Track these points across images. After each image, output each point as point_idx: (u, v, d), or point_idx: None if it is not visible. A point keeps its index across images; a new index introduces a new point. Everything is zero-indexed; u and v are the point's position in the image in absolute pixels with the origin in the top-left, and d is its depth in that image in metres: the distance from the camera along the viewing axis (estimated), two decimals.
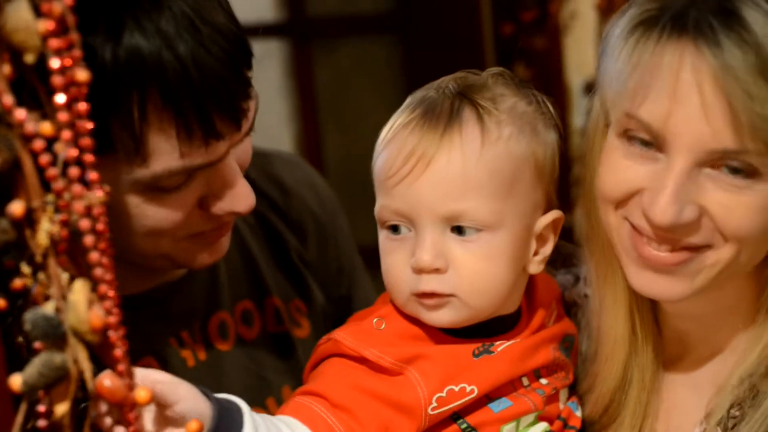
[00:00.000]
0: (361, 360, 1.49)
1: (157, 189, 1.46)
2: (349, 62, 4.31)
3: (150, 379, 1.24)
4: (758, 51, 1.29)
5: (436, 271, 1.47)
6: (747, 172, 1.33)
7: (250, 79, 1.50)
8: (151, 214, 1.48)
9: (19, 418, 1.05)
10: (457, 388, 1.47)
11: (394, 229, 1.52)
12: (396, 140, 1.50)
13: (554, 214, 1.55)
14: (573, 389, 1.64)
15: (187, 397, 1.29)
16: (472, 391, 1.48)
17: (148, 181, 1.44)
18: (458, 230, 1.48)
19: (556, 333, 1.62)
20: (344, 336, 1.51)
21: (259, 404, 1.69)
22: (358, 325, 1.55)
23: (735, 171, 1.34)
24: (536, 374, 1.57)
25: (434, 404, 1.46)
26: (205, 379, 1.66)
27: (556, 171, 1.57)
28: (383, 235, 1.54)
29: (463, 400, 1.48)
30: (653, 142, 1.38)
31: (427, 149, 1.47)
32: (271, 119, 4.14)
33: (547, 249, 1.56)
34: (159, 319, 1.68)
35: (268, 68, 4.19)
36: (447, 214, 1.47)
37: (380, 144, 1.53)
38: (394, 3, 4.30)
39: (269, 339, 1.77)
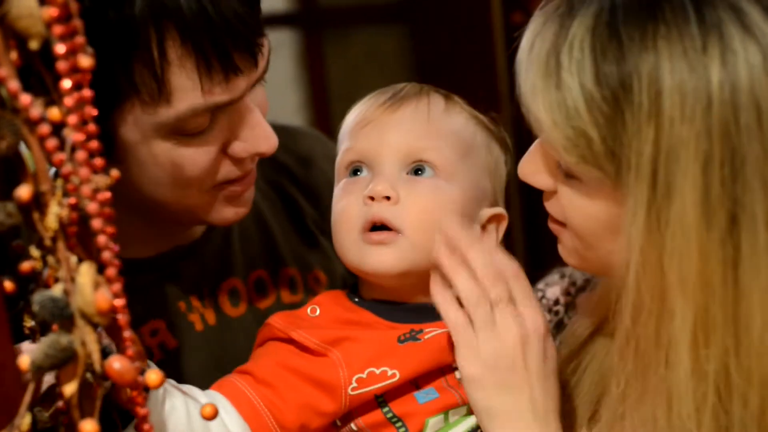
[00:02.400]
0: (290, 341, 1.53)
1: (182, 133, 1.48)
2: (361, 52, 4.31)
3: None
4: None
5: (387, 199, 1.52)
6: (567, 170, 1.37)
7: (261, 23, 1.52)
8: (178, 160, 1.50)
9: (27, 398, 1.07)
10: (378, 371, 1.50)
11: (354, 173, 1.59)
12: (367, 102, 1.61)
13: (499, 209, 1.61)
14: None
15: None
16: (394, 375, 1.50)
17: (173, 123, 1.46)
18: (415, 171, 1.55)
19: None
20: (276, 320, 1.56)
21: None
22: (293, 312, 1.60)
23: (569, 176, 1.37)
24: None
25: (354, 384, 1.49)
26: (212, 343, 1.70)
27: (503, 186, 1.65)
28: (340, 185, 1.61)
29: (384, 383, 1.50)
30: None
31: (396, 102, 1.58)
32: (283, 109, 4.14)
33: (493, 229, 1.61)
34: (169, 282, 1.71)
35: (280, 58, 4.20)
36: (408, 150, 1.55)
37: (349, 114, 1.64)
38: None
39: (284, 309, 1.78)
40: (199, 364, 1.69)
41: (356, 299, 1.62)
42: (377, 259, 1.54)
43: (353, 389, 1.49)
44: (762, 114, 1.23)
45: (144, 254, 1.67)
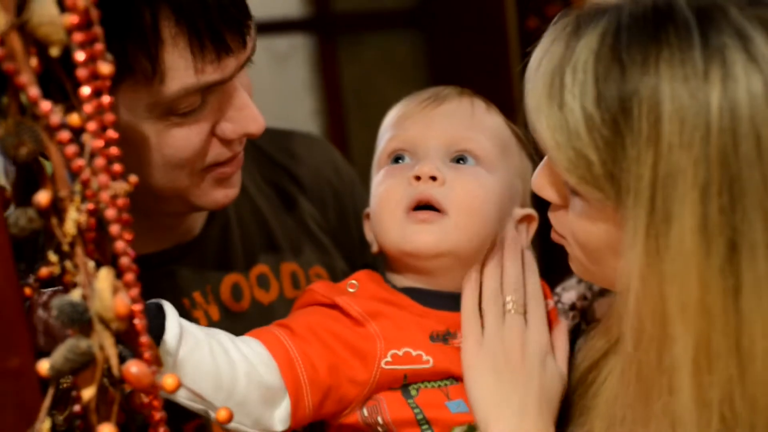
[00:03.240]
0: (332, 306, 1.55)
1: (174, 113, 1.50)
2: (375, 57, 4.31)
3: None
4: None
5: (434, 179, 1.56)
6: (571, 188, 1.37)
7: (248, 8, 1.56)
8: (170, 141, 1.52)
9: (47, 402, 1.07)
10: (414, 353, 1.52)
11: (396, 160, 1.63)
12: (407, 101, 1.67)
13: (531, 210, 1.66)
14: None
15: None
16: (428, 361, 1.52)
17: (166, 102, 1.47)
18: (458, 160, 1.60)
19: None
20: (319, 287, 1.59)
21: None
22: (334, 284, 1.62)
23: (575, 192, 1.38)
24: None
25: (389, 359, 1.51)
26: None
27: (530, 187, 1.61)
28: (382, 172, 1.64)
29: (417, 366, 1.52)
30: None
31: (441, 92, 1.65)
32: (297, 114, 4.15)
33: (524, 229, 1.65)
34: (171, 279, 1.72)
35: (294, 64, 4.21)
36: (452, 140, 1.60)
37: (390, 111, 1.69)
38: None
39: (287, 303, 1.79)
40: None
41: (391, 284, 1.64)
42: (420, 237, 1.56)
43: (387, 363, 1.51)
44: (762, 143, 1.21)
45: (144, 251, 1.66)
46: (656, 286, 1.27)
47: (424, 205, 1.57)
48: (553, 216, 1.45)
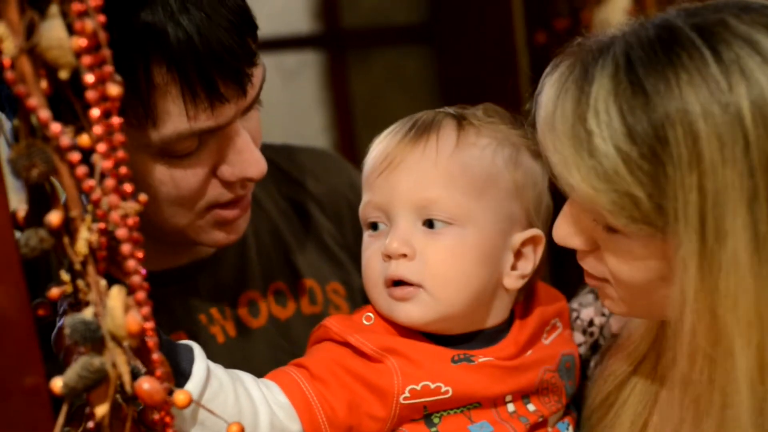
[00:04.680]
0: (346, 345, 1.53)
1: (169, 154, 1.50)
2: (384, 73, 4.33)
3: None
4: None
5: (404, 257, 1.52)
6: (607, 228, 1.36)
7: (255, 50, 1.54)
8: (167, 179, 1.52)
9: (60, 420, 1.09)
10: (432, 386, 1.50)
11: (374, 226, 1.58)
12: (381, 144, 1.59)
13: (533, 231, 1.58)
14: (567, 408, 1.64)
15: None
16: (447, 392, 1.50)
17: (159, 144, 1.48)
18: (429, 224, 1.53)
19: (551, 353, 1.62)
20: (333, 323, 1.56)
21: None
22: (349, 317, 1.60)
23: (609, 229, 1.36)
24: (524, 399, 1.58)
25: (407, 394, 1.49)
26: (235, 355, 1.71)
27: (541, 198, 1.61)
28: (365, 235, 1.60)
29: (436, 398, 1.50)
30: None
31: (405, 146, 1.55)
32: (307, 130, 4.17)
33: (527, 266, 1.58)
34: (188, 295, 1.72)
35: (304, 80, 4.22)
36: (418, 202, 1.52)
37: (369, 151, 1.61)
38: (428, 14, 4.31)
39: (304, 319, 1.80)
40: None
41: None
42: (404, 312, 1.54)
43: (405, 399, 1.49)
44: None
45: (162, 266, 1.68)
46: (711, 305, 1.27)
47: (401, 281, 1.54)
48: (585, 262, 1.44)
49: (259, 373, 1.56)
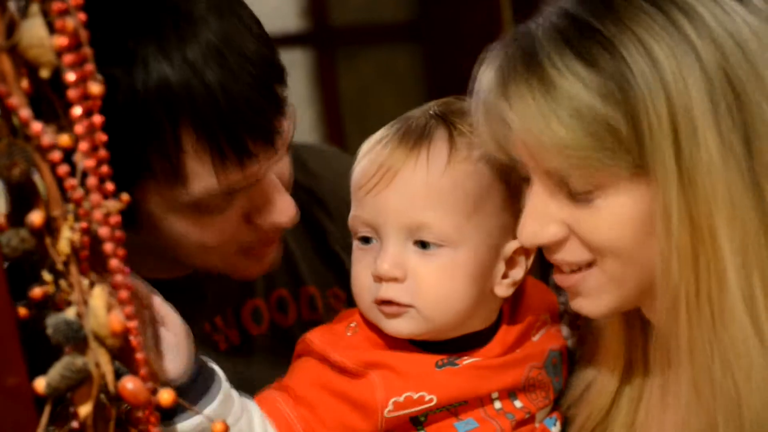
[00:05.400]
0: (327, 360, 1.52)
1: (200, 210, 1.50)
2: (373, 71, 4.32)
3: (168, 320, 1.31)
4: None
5: (395, 279, 1.50)
6: (582, 191, 1.37)
7: (283, 97, 1.52)
8: (198, 232, 1.52)
9: (44, 420, 1.08)
10: (416, 396, 1.49)
11: (365, 240, 1.55)
12: (370, 154, 1.54)
13: None
14: (555, 404, 1.63)
15: (176, 349, 1.35)
16: (431, 400, 1.49)
17: (190, 202, 1.48)
18: (421, 244, 1.50)
19: (539, 350, 1.61)
20: (314, 338, 1.55)
21: None
22: (331, 327, 1.59)
23: (571, 189, 1.37)
24: (511, 396, 1.57)
25: (390, 407, 1.48)
26: (236, 361, 1.71)
27: None
28: (355, 246, 1.58)
29: (420, 408, 1.49)
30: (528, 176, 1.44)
31: (395, 162, 1.50)
32: (297, 127, 4.15)
33: (518, 273, 1.56)
34: (193, 304, 1.69)
35: (293, 78, 4.18)
36: (409, 224, 1.49)
37: (357, 158, 1.57)
38: (417, 11, 4.31)
39: (305, 326, 1.78)
40: None
41: None
42: (395, 327, 1.53)
43: (389, 412, 1.49)
44: (746, 50, 1.32)
45: (168, 275, 1.68)
46: (695, 215, 1.31)
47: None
48: (563, 253, 1.43)
49: (261, 378, 1.58)
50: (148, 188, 1.47)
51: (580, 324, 1.68)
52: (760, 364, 1.32)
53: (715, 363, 1.34)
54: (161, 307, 1.36)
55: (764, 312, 1.32)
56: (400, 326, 1.52)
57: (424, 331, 1.53)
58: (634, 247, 1.37)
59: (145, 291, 1.34)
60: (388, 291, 1.50)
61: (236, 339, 1.76)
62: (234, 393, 1.44)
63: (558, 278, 1.47)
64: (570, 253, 1.42)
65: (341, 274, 1.91)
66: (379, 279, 1.51)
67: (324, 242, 1.93)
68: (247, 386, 1.56)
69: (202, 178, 1.46)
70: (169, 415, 1.33)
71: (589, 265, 1.42)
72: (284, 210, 1.58)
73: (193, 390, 1.38)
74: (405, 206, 1.49)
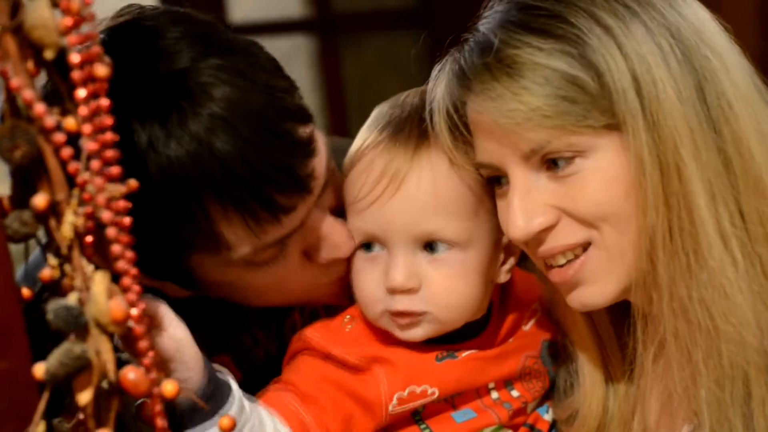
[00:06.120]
0: (329, 356, 1.51)
1: (256, 263, 1.48)
2: (375, 57, 4.32)
3: (168, 334, 1.27)
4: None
5: (409, 291, 1.49)
6: (565, 159, 1.38)
7: (307, 137, 1.46)
8: (259, 280, 1.51)
9: (41, 406, 1.07)
10: (418, 390, 1.49)
11: (366, 247, 1.54)
12: (364, 161, 1.51)
13: None
14: (548, 392, 1.64)
15: (188, 363, 1.31)
16: (433, 393, 1.50)
17: (242, 262, 1.47)
18: (430, 248, 1.50)
19: (532, 339, 1.62)
20: (313, 334, 1.54)
21: None
22: (328, 324, 1.58)
23: (554, 162, 1.39)
24: (508, 385, 1.58)
25: (395, 402, 1.48)
26: (274, 371, 1.68)
27: None
28: (356, 257, 1.56)
29: (423, 401, 1.50)
30: (501, 174, 1.45)
31: (398, 170, 1.48)
32: None
33: (514, 258, 1.58)
34: (237, 319, 1.70)
35: (296, 65, 4.21)
36: (419, 233, 1.49)
37: (348, 163, 1.54)
38: None
39: None
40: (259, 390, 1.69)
41: None
42: (409, 335, 1.53)
43: (393, 407, 1.49)
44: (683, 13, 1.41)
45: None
46: (661, 150, 1.36)
47: None
48: (558, 238, 1.43)
49: None
50: (196, 259, 1.46)
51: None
52: (736, 296, 1.35)
53: (694, 304, 1.36)
54: (166, 315, 1.32)
55: (736, 243, 1.36)
56: (416, 333, 1.52)
57: (436, 332, 1.53)
58: (624, 208, 1.38)
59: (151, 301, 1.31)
60: (403, 302, 1.50)
61: (275, 351, 1.74)
62: (243, 396, 1.42)
63: (555, 275, 1.45)
64: (564, 236, 1.42)
65: None
66: (392, 291, 1.50)
67: None
68: None
69: (242, 240, 1.44)
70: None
71: (585, 249, 1.42)
72: (341, 244, 1.55)
73: (212, 400, 1.36)
74: (414, 216, 1.48)
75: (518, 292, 1.64)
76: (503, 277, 1.58)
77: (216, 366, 1.40)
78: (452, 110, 1.46)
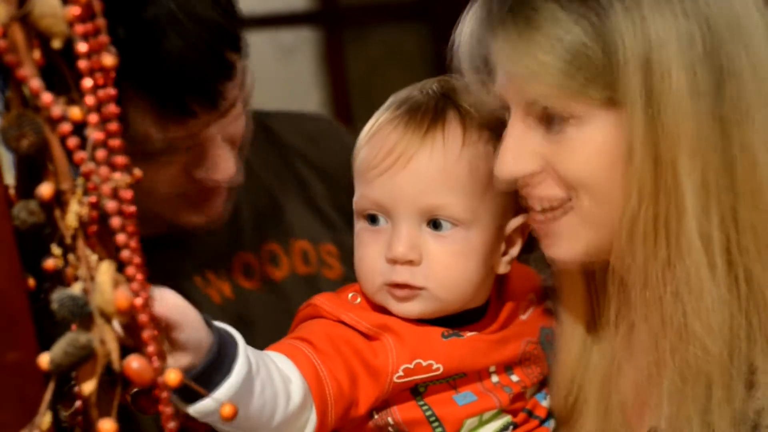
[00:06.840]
0: (340, 321, 1.53)
1: (145, 157, 1.51)
2: (381, 50, 4.32)
3: (165, 302, 1.23)
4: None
5: (410, 262, 1.51)
6: (562, 119, 1.40)
7: (233, 63, 1.57)
8: (145, 179, 1.53)
9: (47, 396, 1.07)
10: (425, 363, 1.51)
11: (372, 219, 1.55)
12: (379, 135, 1.54)
13: (524, 217, 1.57)
14: (546, 379, 1.66)
15: (192, 325, 1.28)
16: (438, 369, 1.51)
17: (132, 139, 1.47)
18: (434, 225, 1.52)
19: (531, 326, 1.64)
20: (323, 301, 1.55)
21: None
22: (336, 295, 1.60)
23: (552, 120, 1.41)
24: (508, 370, 1.60)
25: (400, 373, 1.49)
26: (233, 315, 1.73)
27: None
28: (360, 226, 1.58)
29: (427, 375, 1.51)
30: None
31: (409, 145, 1.51)
32: (304, 107, 4.14)
33: (515, 250, 1.60)
34: (183, 258, 1.75)
35: (301, 57, 4.21)
36: (425, 207, 1.51)
37: (363, 138, 1.57)
38: None
39: (298, 279, 1.83)
40: None
41: None
42: (403, 309, 1.54)
43: (398, 377, 1.50)
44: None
45: (155, 231, 1.66)
46: (657, 144, 1.35)
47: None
48: (540, 189, 1.45)
49: (255, 332, 1.57)
50: None
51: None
52: (709, 296, 1.36)
53: (667, 294, 1.38)
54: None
55: (718, 248, 1.36)
56: (411, 308, 1.54)
57: (432, 311, 1.54)
58: (605, 183, 1.40)
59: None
60: (403, 274, 1.52)
61: (229, 292, 1.77)
62: (250, 351, 1.38)
63: (532, 218, 1.50)
64: (544, 188, 1.45)
65: (332, 231, 1.95)
66: (393, 262, 1.52)
67: (313, 200, 1.96)
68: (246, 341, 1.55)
69: (143, 125, 1.51)
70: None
71: (564, 210, 1.45)
72: (223, 168, 1.62)
73: (221, 360, 1.32)
74: (421, 190, 1.51)
75: (515, 283, 1.66)
76: (503, 268, 1.60)
77: (222, 326, 1.37)
78: (476, 48, 1.49)
